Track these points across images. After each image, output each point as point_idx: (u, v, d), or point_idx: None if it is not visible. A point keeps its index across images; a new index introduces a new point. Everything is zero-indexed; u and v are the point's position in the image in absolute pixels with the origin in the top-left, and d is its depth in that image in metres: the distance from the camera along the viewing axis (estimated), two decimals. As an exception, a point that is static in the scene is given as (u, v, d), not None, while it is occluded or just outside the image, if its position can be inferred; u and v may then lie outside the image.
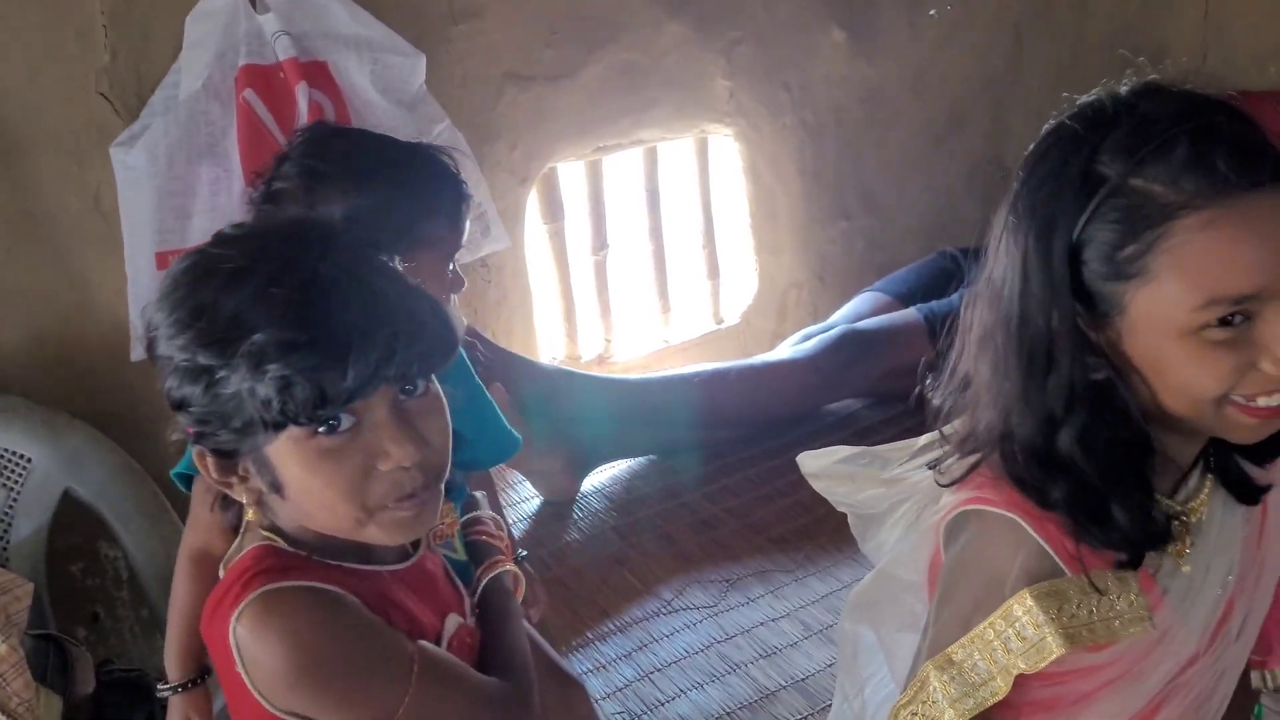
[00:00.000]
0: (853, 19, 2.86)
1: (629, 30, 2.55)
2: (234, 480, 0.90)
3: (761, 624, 1.89)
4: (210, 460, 0.89)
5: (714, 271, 2.95)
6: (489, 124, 2.44)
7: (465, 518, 1.25)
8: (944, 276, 2.64)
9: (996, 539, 0.93)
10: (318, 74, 2.02)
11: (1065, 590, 0.90)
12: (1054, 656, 0.87)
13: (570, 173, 2.70)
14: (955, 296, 2.53)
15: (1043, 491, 0.91)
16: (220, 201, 1.98)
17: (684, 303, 2.96)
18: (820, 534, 2.08)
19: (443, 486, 0.94)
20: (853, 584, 1.89)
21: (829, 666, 1.75)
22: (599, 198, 2.74)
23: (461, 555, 1.25)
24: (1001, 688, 0.89)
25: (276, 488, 0.89)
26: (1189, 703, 1.05)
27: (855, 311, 2.60)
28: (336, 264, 0.85)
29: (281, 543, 0.94)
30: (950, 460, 1.00)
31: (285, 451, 0.86)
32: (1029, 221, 0.89)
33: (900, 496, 1.15)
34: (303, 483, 0.87)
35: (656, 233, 2.84)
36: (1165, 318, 0.84)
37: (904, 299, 2.57)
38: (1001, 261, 0.93)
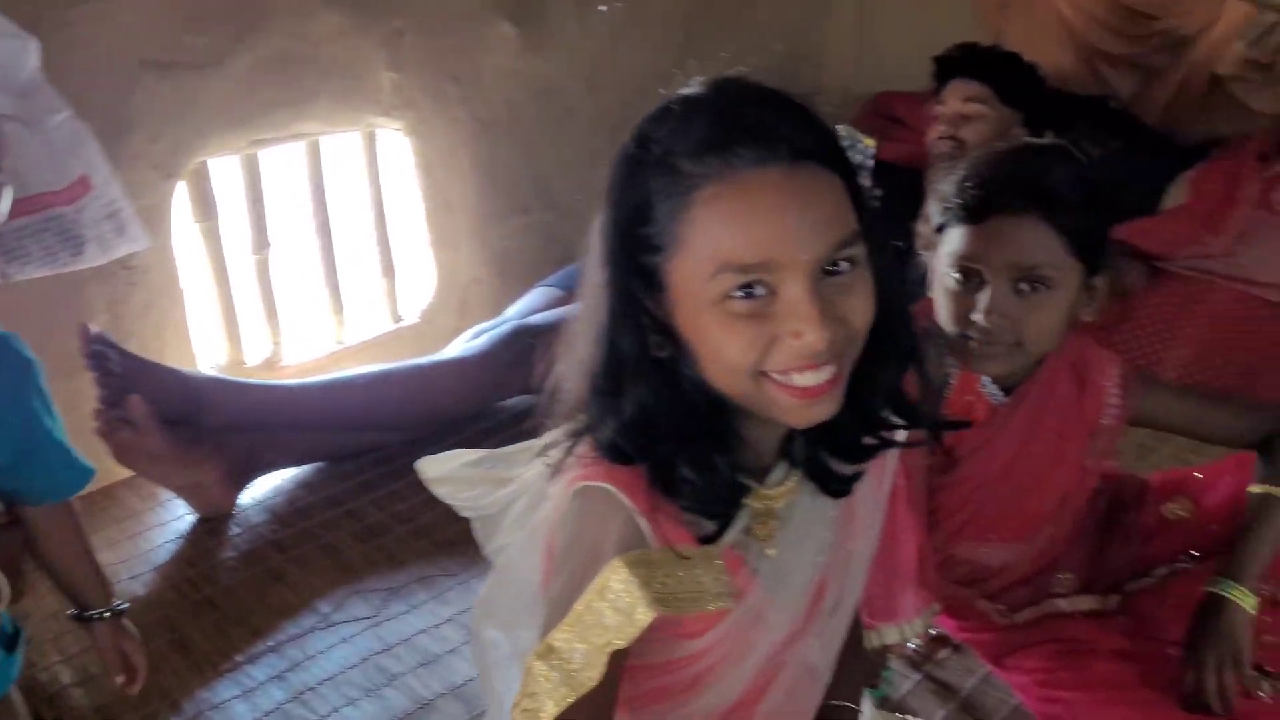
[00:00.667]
0: (520, 13, 2.84)
1: (280, 17, 2.42)
2: None
3: (422, 631, 1.83)
4: None
5: (389, 269, 2.86)
6: (124, 114, 2.25)
7: None
8: (615, 270, 2.66)
9: (594, 512, 0.93)
10: (-101, 56, 1.79)
11: (655, 560, 0.91)
12: (645, 623, 0.87)
13: (225, 168, 2.54)
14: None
15: (626, 457, 0.92)
16: None
17: (359, 303, 2.86)
18: (488, 535, 2.05)
19: None
20: (517, 584, 1.88)
21: (486, 667, 1.72)
22: (258, 194, 2.59)
23: None
24: (593, 675, 0.88)
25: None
26: (796, 676, 1.09)
27: (528, 306, 2.58)
28: None
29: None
30: (556, 449, 0.99)
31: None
32: (607, 196, 0.92)
33: (514, 495, 1.14)
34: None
35: (324, 230, 2.72)
36: (692, 288, 0.87)
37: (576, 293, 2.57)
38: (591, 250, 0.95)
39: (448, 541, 2.06)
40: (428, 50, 2.69)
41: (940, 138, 2.69)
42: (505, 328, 2.45)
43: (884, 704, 1.62)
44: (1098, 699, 1.53)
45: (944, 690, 1.66)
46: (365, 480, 2.26)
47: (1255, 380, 2.46)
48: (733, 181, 0.84)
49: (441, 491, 1.27)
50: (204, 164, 2.46)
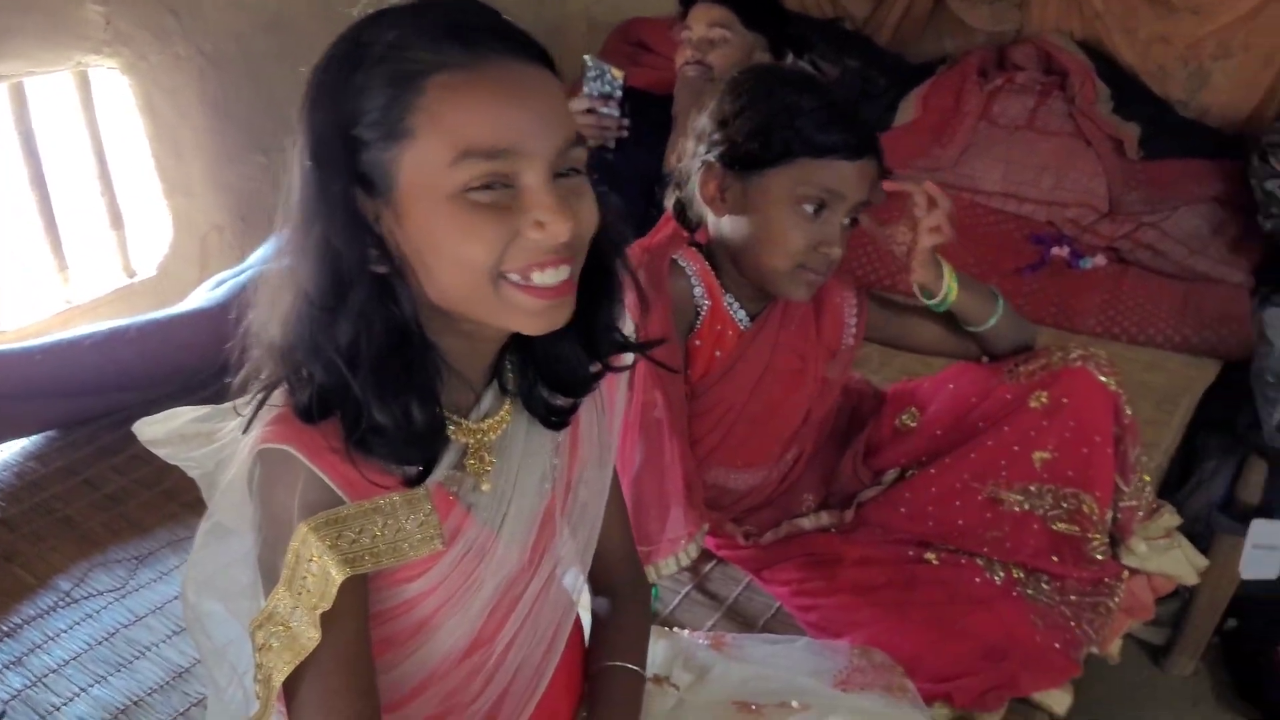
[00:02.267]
0: (242, -61, 2.67)
1: (-42, -56, 2.18)
2: None
3: (176, 598, 1.73)
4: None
5: (118, 221, 2.66)
6: None
7: None
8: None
9: (278, 477, 0.90)
10: None
11: (345, 517, 0.88)
12: (337, 584, 0.86)
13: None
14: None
15: (322, 401, 0.88)
16: None
17: (86, 258, 2.65)
18: (242, 490, 1.95)
19: None
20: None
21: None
22: (-43, 144, 2.35)
23: None
24: (314, 635, 0.86)
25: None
26: (537, 608, 1.09)
27: (273, 251, 2.46)
28: None
29: None
30: (247, 402, 0.95)
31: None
32: (303, 111, 0.88)
33: (222, 451, 1.08)
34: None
35: (39, 181, 2.50)
36: (429, 180, 0.84)
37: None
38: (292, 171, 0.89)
39: (197, 502, 1.91)
40: (140, -20, 2.49)
41: (688, 63, 2.72)
42: (244, 276, 2.32)
43: (655, 619, 1.66)
44: (847, 603, 1.61)
45: (712, 600, 1.71)
46: (103, 445, 2.11)
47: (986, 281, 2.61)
48: (474, 68, 0.83)
49: (164, 453, 1.21)
50: (-114, 112, 2.21)
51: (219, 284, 2.35)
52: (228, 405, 1.11)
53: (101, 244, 2.67)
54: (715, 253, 1.60)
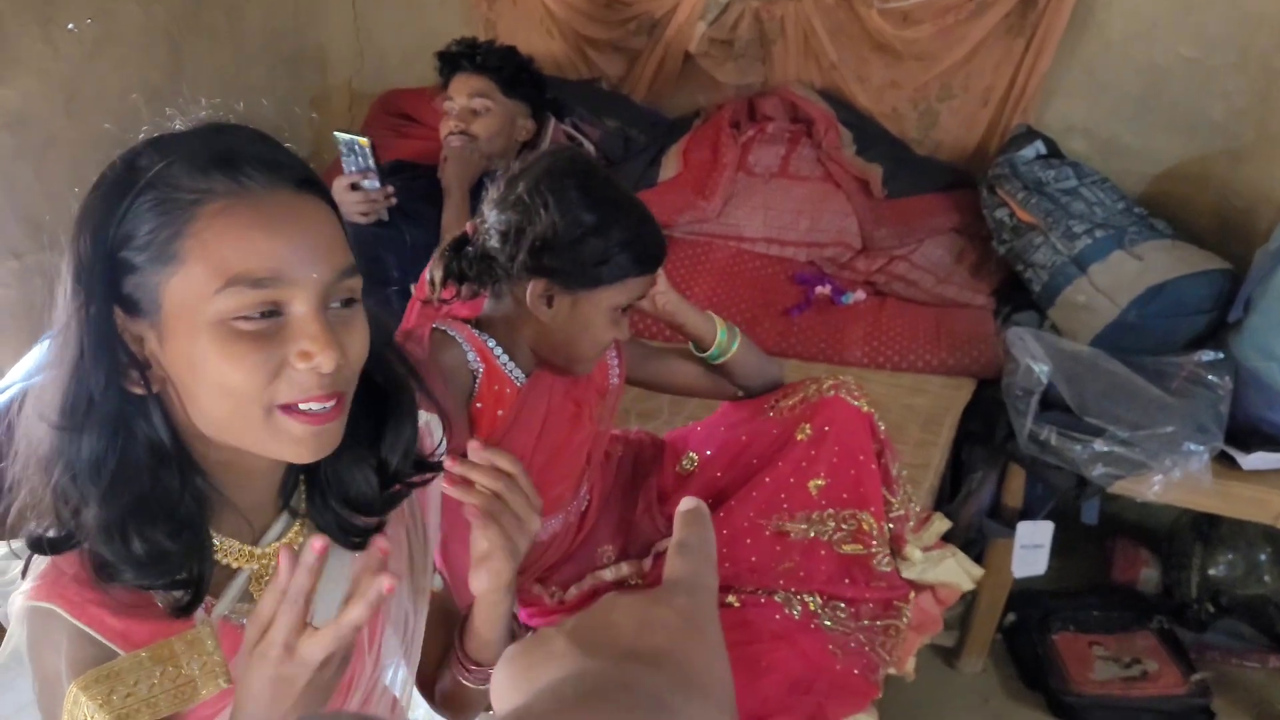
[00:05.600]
0: (-33, 37, 2.54)
1: None
2: None
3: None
4: None
5: None
6: None
7: None
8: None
9: (43, 635, 0.88)
10: None
11: (118, 671, 0.87)
12: None
13: None
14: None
15: (68, 535, 0.87)
16: None
17: None
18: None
19: None
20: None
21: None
22: None
23: None
24: None
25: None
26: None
27: (35, 364, 2.34)
28: None
29: None
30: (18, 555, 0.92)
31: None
32: (72, 232, 0.88)
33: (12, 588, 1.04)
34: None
35: None
36: (194, 306, 0.84)
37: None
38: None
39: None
40: None
41: (452, 133, 2.75)
42: (13, 392, 2.20)
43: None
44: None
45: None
46: None
47: (755, 327, 2.75)
48: (243, 198, 0.85)
49: None
50: None
51: (-24, 403, 2.21)
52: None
53: None
54: (489, 324, 1.65)
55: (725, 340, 1.79)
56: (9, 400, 2.15)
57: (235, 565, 0.97)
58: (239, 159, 0.86)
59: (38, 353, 2.36)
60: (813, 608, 1.74)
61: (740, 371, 1.83)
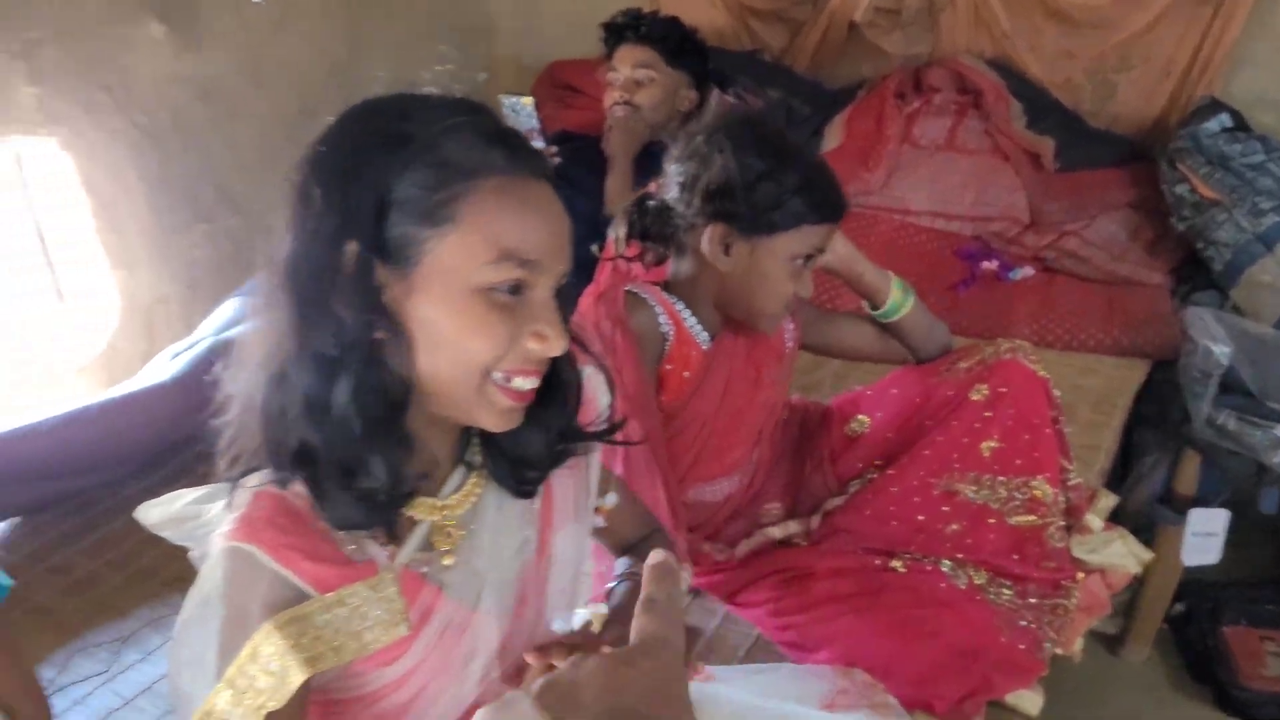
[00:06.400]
0: (170, 11, 2.68)
1: (-110, 38, 2.18)
2: None
3: (162, 678, 1.74)
4: None
5: (60, 298, 2.65)
6: None
7: None
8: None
9: (240, 573, 0.92)
10: None
11: (309, 614, 0.90)
12: (298, 684, 0.87)
13: None
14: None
15: (297, 465, 0.92)
16: None
17: (33, 337, 2.63)
18: (217, 563, 1.96)
19: None
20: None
21: (241, 702, 1.66)
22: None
23: None
24: None
25: None
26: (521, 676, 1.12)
27: (225, 320, 2.47)
28: None
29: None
30: (229, 490, 0.98)
31: None
32: (326, 176, 0.90)
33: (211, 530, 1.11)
34: None
35: (-20, 264, 2.49)
36: (461, 270, 0.89)
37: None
38: (287, 233, 0.93)
39: (175, 578, 1.95)
40: (71, 59, 2.49)
41: (615, 104, 2.79)
42: (203, 346, 2.33)
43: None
44: (822, 616, 1.68)
45: (689, 633, 1.76)
46: (66, 531, 2.10)
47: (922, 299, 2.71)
48: (515, 178, 0.90)
49: (168, 535, 1.23)
50: None
51: (174, 356, 2.35)
52: (224, 484, 1.14)
53: (48, 322, 2.65)
54: (675, 285, 1.69)
55: (900, 297, 1.79)
56: (208, 351, 2.29)
57: (417, 517, 1.01)
58: (515, 140, 0.92)
59: (227, 309, 2.50)
60: (978, 581, 1.72)
61: (912, 332, 1.83)
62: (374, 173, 0.89)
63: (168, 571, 1.98)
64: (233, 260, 2.90)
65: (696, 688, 1.48)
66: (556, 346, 0.92)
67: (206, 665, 0.92)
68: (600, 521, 1.22)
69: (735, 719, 1.42)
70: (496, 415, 0.94)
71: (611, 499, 1.22)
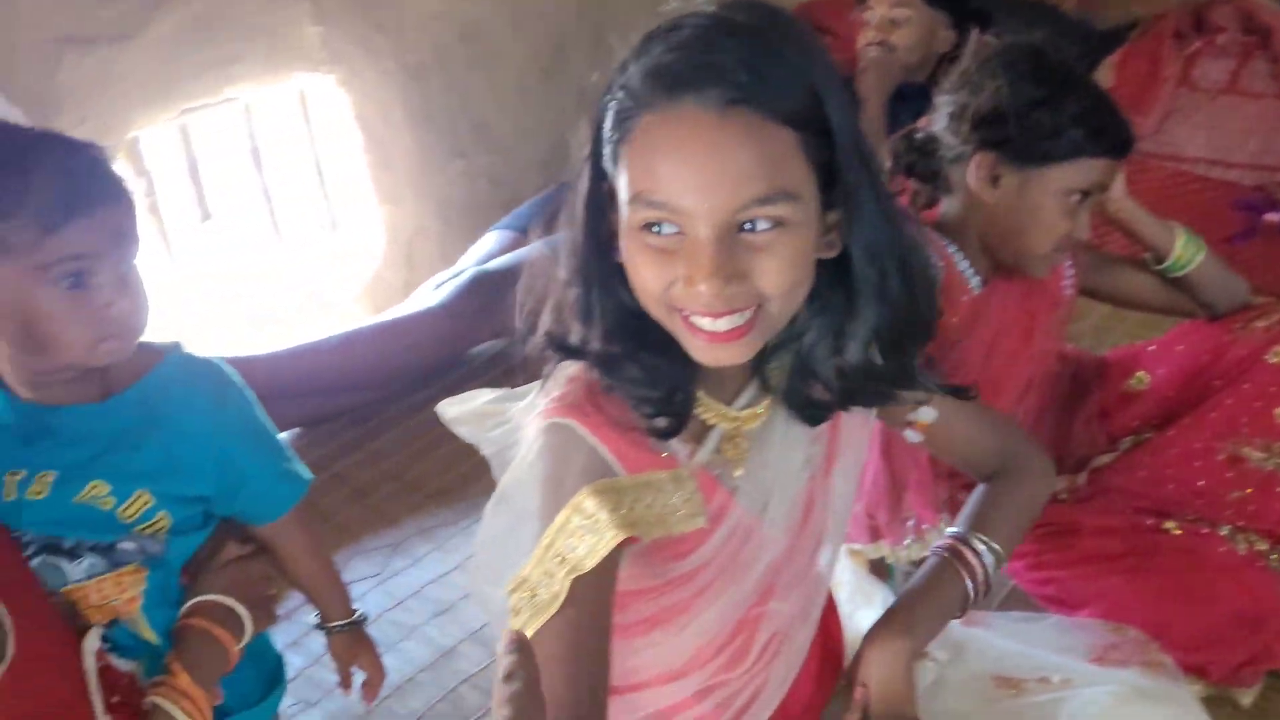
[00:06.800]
0: (437, -45, 2.79)
1: (195, -21, 2.35)
2: None
3: (431, 582, 1.85)
4: None
5: (334, 228, 2.82)
6: (50, 95, 2.18)
7: (187, 605, 1.10)
8: (567, 206, 2.67)
9: (558, 447, 0.96)
10: None
11: (622, 486, 0.93)
12: (610, 545, 0.89)
13: (159, 139, 2.48)
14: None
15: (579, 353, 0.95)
16: None
17: (307, 264, 2.82)
18: (481, 478, 2.03)
19: None
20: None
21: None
22: (194, 163, 2.53)
23: (154, 638, 1.11)
24: (558, 601, 0.89)
25: None
26: (795, 590, 1.12)
27: (486, 252, 2.57)
28: None
29: None
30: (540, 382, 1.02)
31: None
32: (590, 108, 0.92)
33: (511, 430, 1.15)
34: None
35: (267, 194, 2.68)
36: (622, 210, 0.88)
37: (530, 233, 2.57)
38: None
39: (440, 491, 2.08)
40: (350, 0, 2.64)
41: (870, 44, 2.72)
42: (466, 275, 2.44)
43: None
44: (1087, 573, 1.61)
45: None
46: (346, 441, 2.25)
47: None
48: (666, 115, 0.85)
49: (462, 431, 1.28)
50: (135, 139, 2.40)
51: (439, 285, 2.47)
52: (522, 389, 1.19)
53: (321, 251, 2.83)
54: (945, 226, 1.63)
55: (1187, 252, 1.66)
56: (470, 280, 2.40)
57: (710, 422, 1.02)
58: (675, 69, 0.85)
59: (486, 242, 2.60)
60: (1260, 548, 1.62)
61: (1204, 287, 1.69)
62: (599, 109, 0.91)
63: (434, 485, 2.10)
64: (486, 196, 3.01)
65: (959, 629, 1.45)
66: (707, 290, 0.85)
67: (519, 538, 0.96)
68: (916, 436, 1.20)
69: (998, 662, 1.38)
70: (697, 350, 0.92)
71: (928, 413, 1.19)
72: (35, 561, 1.05)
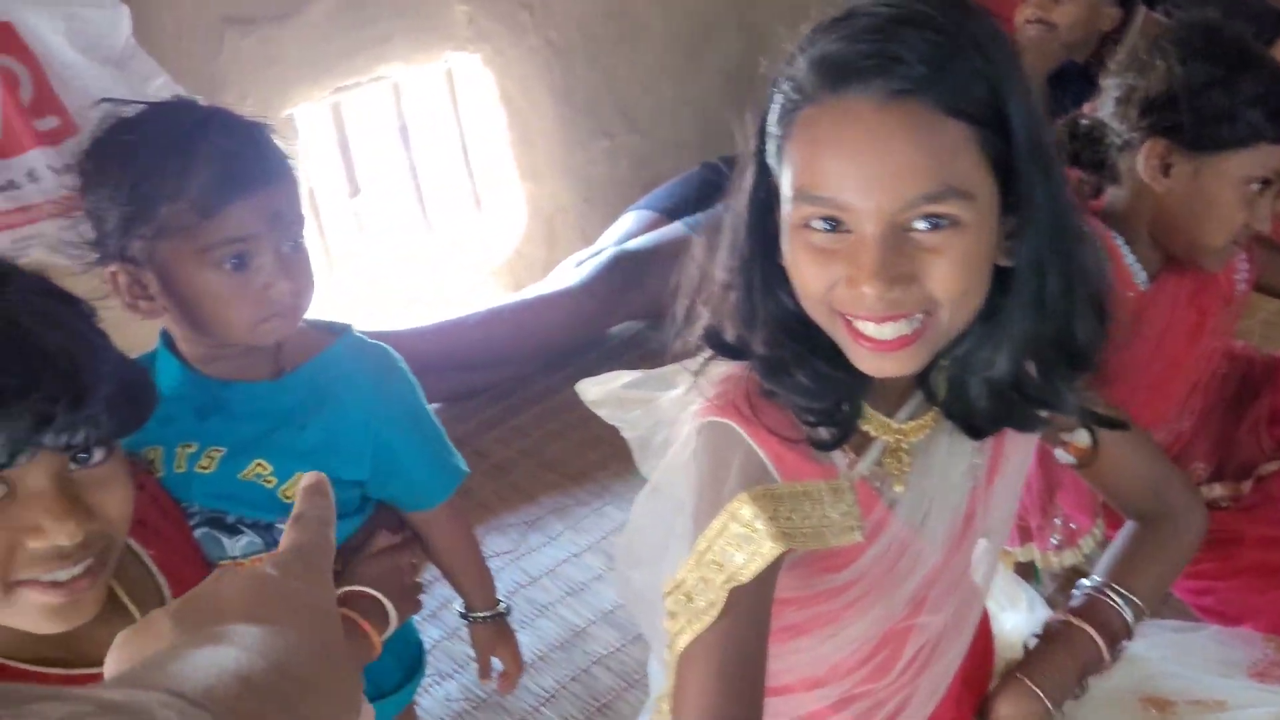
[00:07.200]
0: (586, -67, 2.79)
1: (351, -41, 2.41)
2: None
3: (565, 561, 1.87)
4: None
5: (478, 205, 2.86)
6: (213, 75, 2.26)
7: (339, 591, 1.08)
8: (708, 188, 2.64)
9: (717, 447, 0.93)
10: (2, 37, 1.81)
11: (781, 494, 0.90)
12: (771, 557, 0.86)
13: (310, 118, 2.55)
14: (719, 206, 2.53)
15: (751, 352, 0.91)
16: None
17: (450, 240, 2.87)
18: (615, 462, 2.06)
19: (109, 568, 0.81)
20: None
21: (629, 592, 1.76)
22: (345, 141, 2.60)
23: None
24: (715, 609, 0.87)
25: None
26: (947, 602, 1.08)
27: (625, 232, 2.57)
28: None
29: None
30: (691, 372, 1.00)
31: None
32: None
33: (662, 415, 1.13)
34: None
35: (413, 172, 2.73)
36: (785, 205, 0.84)
37: (670, 214, 2.56)
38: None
39: (578, 472, 2.09)
40: (500, -23, 2.66)
41: (1029, 21, 2.61)
42: (606, 254, 2.44)
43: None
44: (1248, 585, 1.53)
45: (1095, 585, 1.66)
46: (486, 418, 2.29)
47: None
48: (830, 106, 0.80)
49: (603, 413, 1.27)
50: (290, 116, 2.47)
51: (578, 264, 2.48)
52: (662, 370, 1.17)
53: (464, 228, 2.88)
54: (1112, 217, 1.55)
55: None
56: (611, 260, 2.41)
57: (872, 434, 0.99)
58: (842, 57, 0.80)
59: (625, 222, 2.60)
60: None
61: None
62: (767, 102, 0.86)
63: (570, 465, 2.12)
64: (627, 175, 3.01)
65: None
66: (871, 293, 0.80)
67: (669, 529, 0.95)
68: (1068, 458, 1.15)
69: (1148, 681, 1.31)
70: (860, 359, 0.86)
71: (1082, 436, 1.14)
72: (199, 533, 1.08)
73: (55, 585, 0.77)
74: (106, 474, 0.80)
